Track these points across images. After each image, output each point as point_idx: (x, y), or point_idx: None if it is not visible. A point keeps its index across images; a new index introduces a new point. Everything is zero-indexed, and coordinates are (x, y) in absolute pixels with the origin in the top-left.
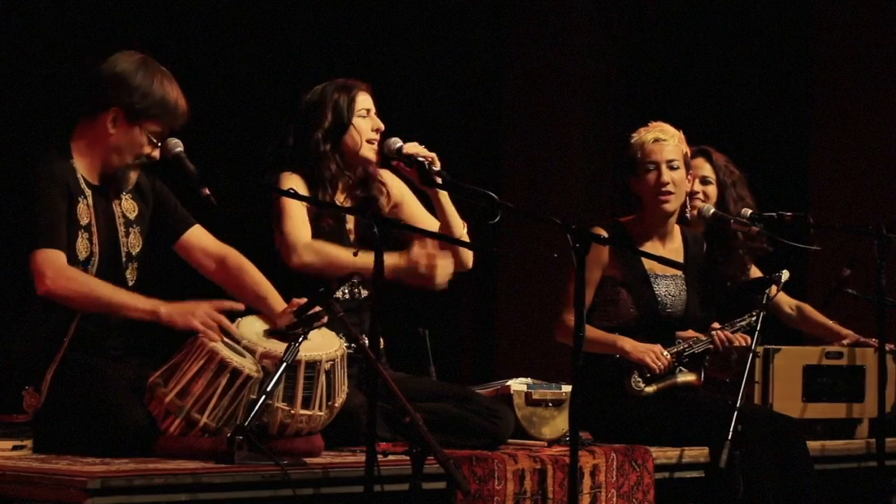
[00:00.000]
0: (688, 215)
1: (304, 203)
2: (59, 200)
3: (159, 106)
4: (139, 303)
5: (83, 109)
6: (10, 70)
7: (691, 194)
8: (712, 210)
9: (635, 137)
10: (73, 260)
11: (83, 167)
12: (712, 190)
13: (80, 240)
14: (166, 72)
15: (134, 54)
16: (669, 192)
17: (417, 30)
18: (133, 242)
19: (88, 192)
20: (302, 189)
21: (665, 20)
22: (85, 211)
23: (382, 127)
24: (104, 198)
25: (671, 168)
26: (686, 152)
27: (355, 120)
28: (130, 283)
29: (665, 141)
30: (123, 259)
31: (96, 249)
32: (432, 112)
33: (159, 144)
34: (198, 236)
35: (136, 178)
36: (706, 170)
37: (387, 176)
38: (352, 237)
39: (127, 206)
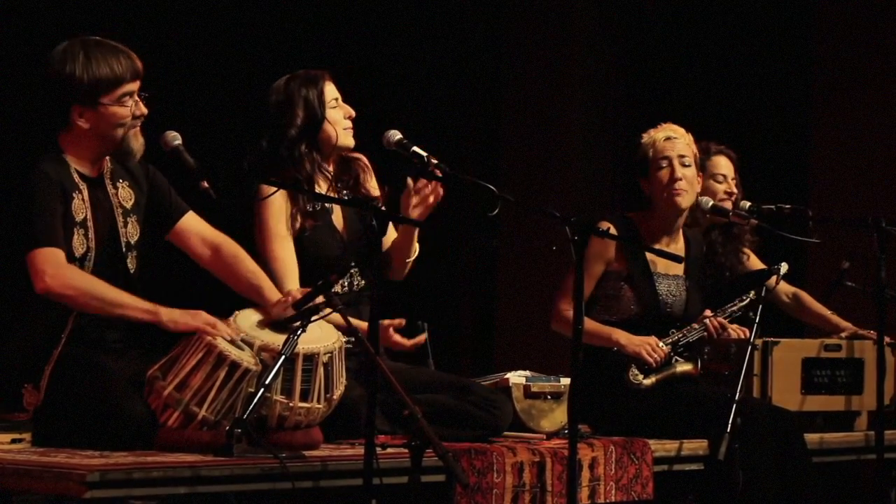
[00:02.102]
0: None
1: (285, 217)
2: (55, 200)
3: (106, 79)
4: (140, 304)
5: (55, 118)
6: (4, 73)
7: (729, 195)
8: (711, 202)
9: (646, 137)
10: (69, 257)
11: (76, 162)
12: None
13: (75, 237)
14: (94, 42)
15: (63, 46)
16: (682, 188)
17: (418, 28)
18: (132, 231)
19: (83, 186)
20: (284, 198)
21: (665, 20)
22: (80, 206)
23: (353, 114)
24: (100, 190)
25: (683, 164)
26: (696, 153)
27: (328, 112)
28: (131, 271)
29: (677, 139)
30: (123, 249)
31: (92, 244)
32: (432, 111)
33: (139, 101)
34: (192, 224)
35: (139, 147)
36: (730, 172)
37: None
38: (341, 230)
39: (124, 194)
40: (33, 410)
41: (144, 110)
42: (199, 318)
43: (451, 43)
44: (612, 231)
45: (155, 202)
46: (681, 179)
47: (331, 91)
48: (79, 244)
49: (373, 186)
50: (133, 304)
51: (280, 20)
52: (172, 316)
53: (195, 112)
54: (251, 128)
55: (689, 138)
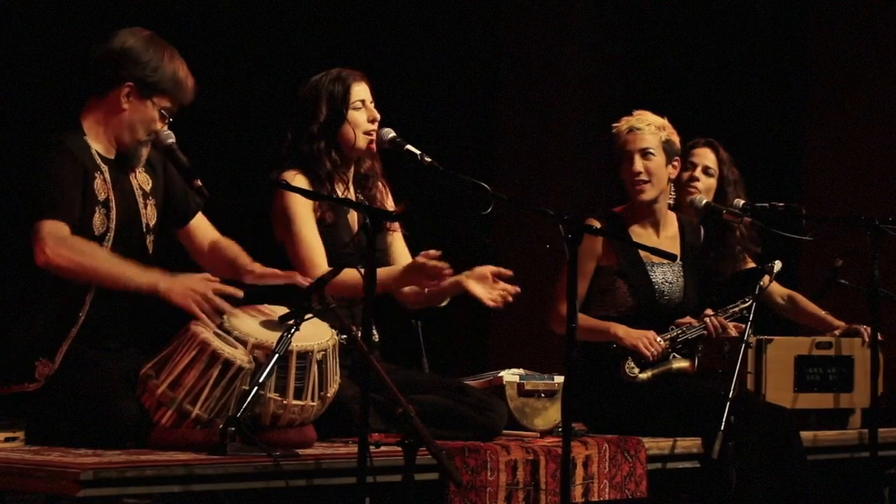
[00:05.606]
0: (688, 199)
1: (310, 202)
2: (70, 176)
3: (170, 80)
4: (139, 276)
5: (95, 86)
6: (19, 52)
7: (689, 180)
8: (705, 201)
9: (615, 128)
10: (88, 235)
11: (97, 143)
12: (712, 182)
13: (97, 215)
14: (173, 49)
15: (142, 30)
16: (642, 181)
17: (416, 26)
18: (150, 214)
19: (104, 168)
20: (307, 185)
21: (663, 19)
22: (102, 186)
23: (378, 117)
24: (121, 172)
25: (645, 157)
26: (668, 140)
27: (350, 113)
28: (150, 253)
29: (639, 130)
30: (144, 230)
31: (113, 224)
32: (430, 110)
33: (170, 120)
34: (200, 226)
35: (142, 159)
36: (710, 160)
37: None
38: (354, 231)
39: (142, 178)
40: (44, 380)
41: (159, 131)
42: (193, 282)
43: (449, 42)
44: (597, 227)
45: (171, 195)
46: (640, 173)
47: (358, 92)
48: (99, 223)
49: (389, 204)
50: (133, 276)
51: (278, 20)
52: (171, 290)
53: (188, 111)
54: (280, 119)
55: (655, 126)
